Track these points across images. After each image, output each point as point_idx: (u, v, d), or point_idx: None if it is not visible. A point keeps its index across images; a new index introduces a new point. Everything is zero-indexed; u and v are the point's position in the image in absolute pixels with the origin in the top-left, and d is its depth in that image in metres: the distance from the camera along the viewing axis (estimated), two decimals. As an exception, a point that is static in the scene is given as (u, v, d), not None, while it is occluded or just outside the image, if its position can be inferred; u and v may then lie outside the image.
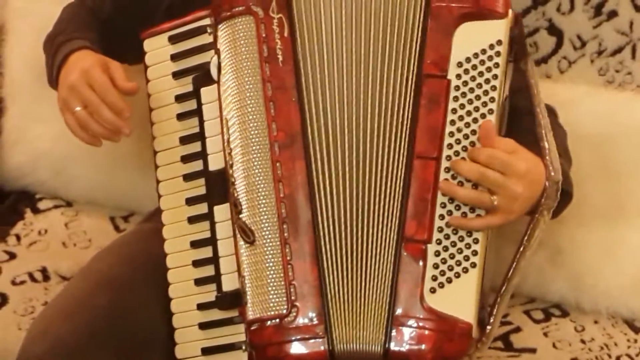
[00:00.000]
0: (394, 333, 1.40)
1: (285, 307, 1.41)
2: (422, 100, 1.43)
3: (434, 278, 1.41)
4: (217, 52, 1.50)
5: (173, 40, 1.55)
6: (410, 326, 1.40)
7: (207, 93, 1.51)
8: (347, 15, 1.47)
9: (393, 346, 1.40)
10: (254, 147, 1.45)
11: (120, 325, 1.49)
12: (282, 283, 1.42)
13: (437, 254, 1.41)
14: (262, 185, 1.44)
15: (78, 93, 1.49)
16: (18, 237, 2.04)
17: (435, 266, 1.41)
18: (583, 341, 1.88)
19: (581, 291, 1.94)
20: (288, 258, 1.42)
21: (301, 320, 1.41)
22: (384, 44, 1.46)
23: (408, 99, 1.45)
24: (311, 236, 1.42)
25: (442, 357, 1.40)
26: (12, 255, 1.99)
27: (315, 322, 1.41)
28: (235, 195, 1.46)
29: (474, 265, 1.41)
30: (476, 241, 1.42)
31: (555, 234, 1.92)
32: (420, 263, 1.41)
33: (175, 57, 1.55)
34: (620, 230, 1.92)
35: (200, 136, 1.52)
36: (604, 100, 1.96)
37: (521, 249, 1.47)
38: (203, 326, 1.50)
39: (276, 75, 1.45)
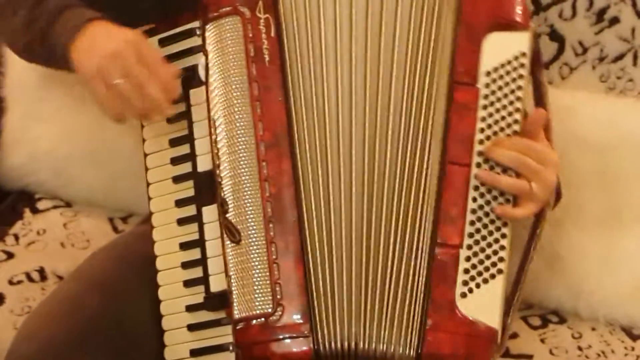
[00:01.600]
0: (427, 337, 1.40)
1: (271, 306, 1.41)
2: (453, 107, 1.44)
3: (465, 283, 1.42)
4: (205, 53, 1.49)
5: (163, 43, 1.54)
6: (443, 330, 1.40)
7: (196, 95, 1.51)
8: (344, 15, 1.47)
9: (427, 350, 1.40)
10: (240, 147, 1.45)
11: (110, 326, 1.49)
12: (268, 282, 1.42)
13: (468, 259, 1.42)
14: (248, 185, 1.44)
15: (123, 63, 1.39)
16: (16, 237, 2.04)
17: (466, 271, 1.42)
18: (580, 348, 1.87)
19: (579, 298, 1.93)
20: (274, 257, 1.42)
21: (287, 319, 1.41)
22: (410, 49, 1.46)
23: (439, 105, 1.45)
24: (297, 235, 1.42)
25: None
26: (10, 255, 1.99)
27: (301, 320, 1.41)
28: (222, 195, 1.45)
29: (500, 271, 1.43)
30: (502, 248, 1.43)
31: (553, 240, 1.91)
32: (453, 267, 1.42)
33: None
34: (618, 238, 1.91)
35: (190, 138, 1.52)
36: (604, 106, 1.95)
37: (530, 255, 1.49)
38: (192, 328, 1.50)
39: (263, 75, 1.45)
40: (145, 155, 1.56)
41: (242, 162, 1.45)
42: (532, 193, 1.42)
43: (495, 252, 1.43)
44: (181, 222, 1.52)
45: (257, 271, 1.42)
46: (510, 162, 1.42)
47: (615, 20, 1.95)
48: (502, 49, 1.46)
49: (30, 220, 2.09)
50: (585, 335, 1.91)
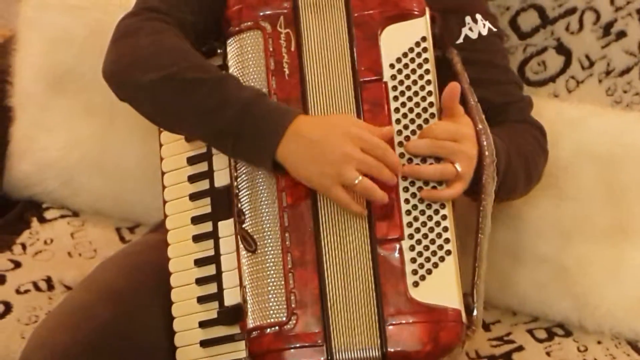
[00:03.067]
0: (388, 334, 1.41)
1: (285, 314, 1.42)
2: (365, 105, 1.47)
3: (414, 272, 1.43)
4: (225, 69, 1.52)
5: None
6: (402, 324, 1.42)
7: (214, 111, 1.52)
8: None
9: (390, 347, 1.41)
10: (258, 158, 1.46)
11: (120, 337, 1.48)
12: (283, 291, 1.43)
13: (412, 248, 1.44)
14: (265, 195, 1.46)
15: (357, 162, 1.40)
16: (24, 246, 2.04)
17: (413, 260, 1.44)
18: (586, 361, 1.88)
19: (585, 311, 1.92)
20: (289, 266, 1.43)
21: (301, 328, 1.42)
22: (332, 57, 1.49)
23: (352, 107, 1.47)
24: (312, 245, 1.44)
25: (440, 346, 1.42)
26: (17, 264, 1.98)
27: (315, 330, 1.42)
28: (239, 205, 1.47)
29: (448, 252, 1.44)
30: (446, 229, 1.45)
31: (560, 252, 1.91)
32: (398, 260, 1.43)
33: None
34: (624, 250, 1.91)
35: (207, 155, 1.53)
36: (611, 120, 1.95)
37: (480, 232, 1.51)
38: (205, 344, 1.51)
39: (282, 89, 1.47)
40: (163, 173, 1.58)
41: (259, 173, 1.46)
42: (457, 173, 1.44)
43: (439, 235, 1.44)
44: (196, 238, 1.54)
45: (272, 280, 1.43)
46: (425, 150, 1.44)
47: (622, 34, 1.96)
48: (402, 38, 1.49)
49: (37, 229, 2.09)
50: (591, 349, 1.90)
